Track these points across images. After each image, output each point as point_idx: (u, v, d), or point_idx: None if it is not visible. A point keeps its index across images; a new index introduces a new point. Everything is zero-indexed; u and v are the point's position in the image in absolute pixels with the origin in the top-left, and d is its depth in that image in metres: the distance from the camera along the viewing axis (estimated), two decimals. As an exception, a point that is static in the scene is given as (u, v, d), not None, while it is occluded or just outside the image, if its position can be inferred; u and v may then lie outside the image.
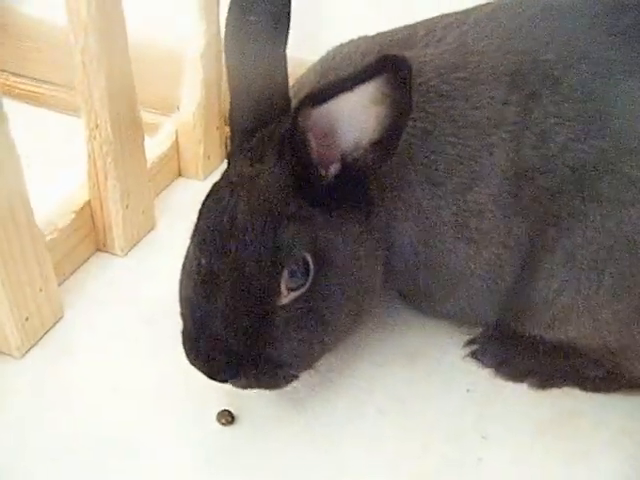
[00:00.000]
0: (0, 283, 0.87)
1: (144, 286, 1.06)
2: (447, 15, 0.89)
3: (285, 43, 0.82)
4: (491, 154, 0.79)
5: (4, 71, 1.47)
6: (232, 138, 0.83)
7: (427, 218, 0.82)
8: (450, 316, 0.95)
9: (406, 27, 0.89)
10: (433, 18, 0.89)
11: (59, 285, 1.01)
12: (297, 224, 0.73)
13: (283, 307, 0.74)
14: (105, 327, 1.00)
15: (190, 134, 1.20)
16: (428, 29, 0.86)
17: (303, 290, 0.74)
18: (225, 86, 1.02)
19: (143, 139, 1.06)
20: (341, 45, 0.92)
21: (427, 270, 0.85)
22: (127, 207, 1.06)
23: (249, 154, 0.78)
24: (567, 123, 0.77)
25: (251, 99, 0.80)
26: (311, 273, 0.74)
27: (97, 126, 0.97)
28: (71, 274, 1.06)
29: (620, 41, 0.78)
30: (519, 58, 0.80)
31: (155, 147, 1.20)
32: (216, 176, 1.19)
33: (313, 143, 0.71)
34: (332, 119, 0.70)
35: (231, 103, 0.83)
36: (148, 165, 1.15)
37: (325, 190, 0.75)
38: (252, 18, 0.81)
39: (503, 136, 0.79)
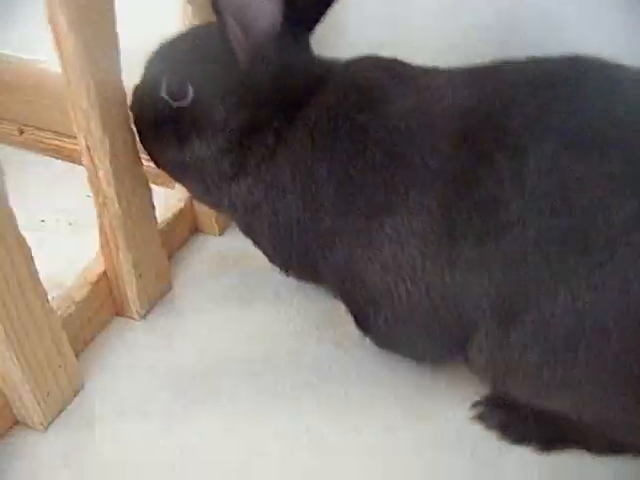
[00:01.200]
0: (19, 366, 0.90)
1: (160, 350, 1.10)
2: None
3: None
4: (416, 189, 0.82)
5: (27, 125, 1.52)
6: None
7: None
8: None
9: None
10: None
11: (79, 354, 1.06)
12: None
13: None
14: (123, 395, 1.04)
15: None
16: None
17: None
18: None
19: (153, 208, 1.09)
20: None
21: None
22: (140, 276, 1.09)
23: None
24: (525, 193, 0.76)
25: None
26: None
27: (105, 203, 1.00)
28: (90, 341, 1.10)
29: (587, 115, 0.77)
30: (481, 121, 0.80)
31: (170, 206, 1.23)
32: (232, 230, 1.24)
33: (229, 22, 0.83)
34: (245, 8, 0.82)
35: None
36: (163, 225, 1.19)
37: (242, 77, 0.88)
38: None
39: (437, 185, 0.81)
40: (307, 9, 0.90)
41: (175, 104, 0.92)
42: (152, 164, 1.01)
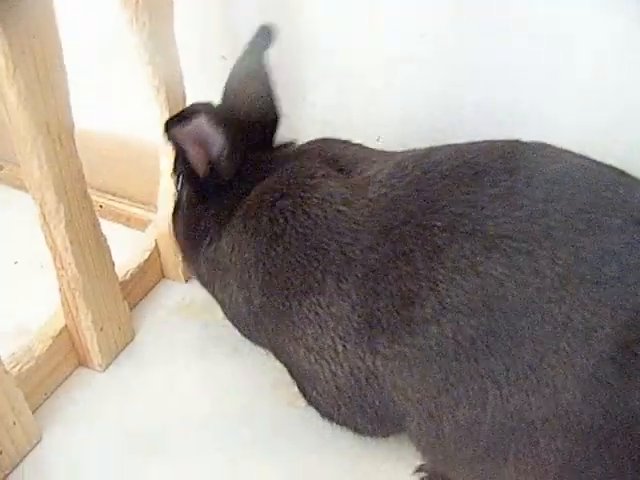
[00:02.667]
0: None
1: (120, 403, 1.12)
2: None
3: None
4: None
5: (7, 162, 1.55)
6: None
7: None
8: None
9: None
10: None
11: (38, 407, 1.09)
12: None
13: None
14: (80, 448, 1.07)
15: (168, 242, 1.25)
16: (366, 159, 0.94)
17: None
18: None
19: (112, 265, 1.11)
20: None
21: None
22: (101, 329, 1.12)
23: None
24: (441, 293, 0.76)
25: None
26: None
27: (62, 267, 1.03)
28: (52, 393, 1.13)
29: (515, 216, 0.77)
30: (404, 217, 0.81)
31: (136, 257, 1.25)
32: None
33: (187, 148, 0.93)
34: (193, 136, 0.92)
35: None
36: (127, 275, 1.22)
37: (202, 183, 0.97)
38: None
39: (355, 273, 0.83)
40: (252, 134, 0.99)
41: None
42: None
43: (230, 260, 0.94)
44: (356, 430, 0.97)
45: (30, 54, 0.86)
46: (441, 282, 0.77)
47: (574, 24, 0.97)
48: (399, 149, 0.97)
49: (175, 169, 1.04)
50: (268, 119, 1.03)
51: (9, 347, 1.07)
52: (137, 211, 1.43)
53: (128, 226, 1.43)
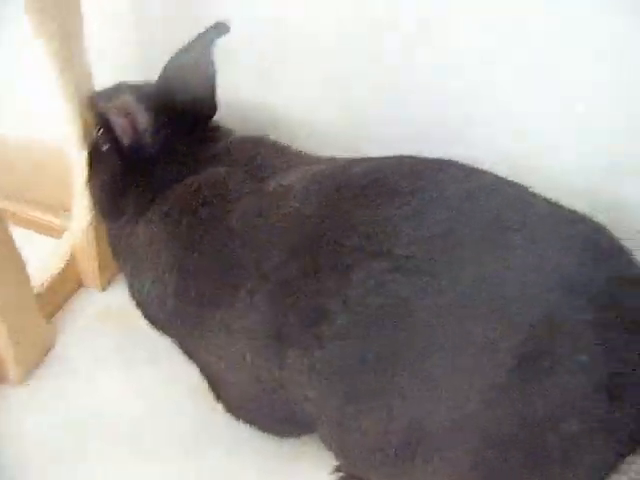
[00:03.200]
0: None
1: (38, 415, 1.12)
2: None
3: None
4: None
5: None
6: None
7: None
8: None
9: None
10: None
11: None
12: None
13: None
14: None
15: (84, 251, 1.24)
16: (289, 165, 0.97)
17: None
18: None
19: (27, 277, 1.11)
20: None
21: None
22: (18, 343, 1.11)
23: None
24: (350, 311, 0.80)
25: None
26: None
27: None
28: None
29: (420, 237, 0.80)
30: (315, 235, 0.85)
31: (51, 266, 1.25)
32: (117, 284, 1.26)
33: (114, 122, 0.98)
34: (120, 110, 0.98)
35: None
36: (44, 286, 1.21)
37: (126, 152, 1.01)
38: None
39: (267, 288, 0.86)
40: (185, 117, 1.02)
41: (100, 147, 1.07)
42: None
43: (145, 253, 0.97)
44: (264, 430, 1.02)
45: None
46: (350, 300, 0.80)
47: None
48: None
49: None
50: (203, 111, 1.06)
51: None
52: (49, 218, 1.41)
53: (42, 234, 1.41)
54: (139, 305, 1.06)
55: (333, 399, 0.84)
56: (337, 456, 0.93)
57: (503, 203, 0.84)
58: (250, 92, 1.22)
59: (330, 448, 0.92)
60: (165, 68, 1.02)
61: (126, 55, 1.26)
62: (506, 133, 1.06)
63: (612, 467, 0.78)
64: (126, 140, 1.00)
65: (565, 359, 0.76)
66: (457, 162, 0.89)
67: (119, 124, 0.98)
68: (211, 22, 1.01)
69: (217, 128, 1.08)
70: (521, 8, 0.97)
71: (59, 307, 1.27)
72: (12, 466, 1.06)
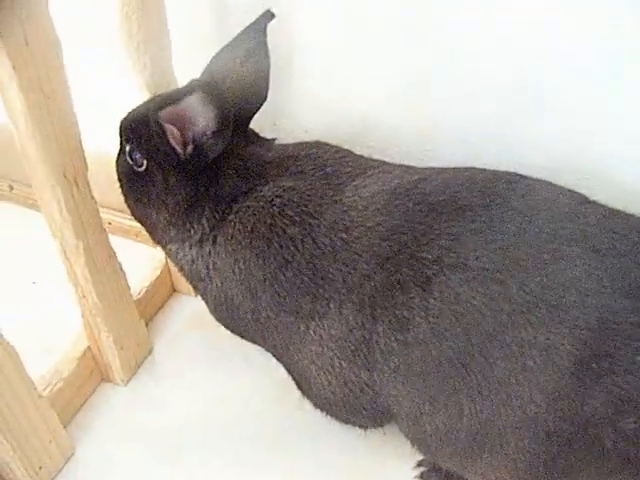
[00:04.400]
0: (12, 449, 1.03)
1: (143, 414, 1.22)
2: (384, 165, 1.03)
3: None
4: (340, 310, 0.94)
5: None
6: None
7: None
8: None
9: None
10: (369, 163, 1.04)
11: (69, 422, 1.19)
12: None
13: None
14: (110, 460, 1.17)
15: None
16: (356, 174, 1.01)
17: None
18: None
19: (128, 289, 1.21)
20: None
21: None
22: (122, 348, 1.21)
23: None
24: (430, 319, 0.87)
25: None
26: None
27: (84, 296, 1.12)
28: (80, 408, 1.23)
29: (491, 249, 0.87)
30: (398, 248, 0.90)
31: (147, 275, 1.34)
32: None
33: (169, 129, 0.96)
34: (180, 115, 0.94)
35: None
36: (141, 293, 1.31)
37: (183, 164, 0.99)
38: None
39: (354, 300, 0.92)
40: (239, 112, 1.02)
41: (136, 169, 1.03)
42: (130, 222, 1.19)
43: (232, 270, 1.00)
44: (349, 423, 1.09)
45: (46, 113, 0.94)
46: (431, 310, 0.87)
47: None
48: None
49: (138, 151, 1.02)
50: (256, 101, 1.07)
51: (36, 367, 1.12)
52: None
53: (138, 241, 1.51)
54: (223, 317, 1.10)
55: (413, 397, 0.91)
56: (413, 445, 1.00)
57: (563, 215, 0.89)
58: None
59: (407, 437, 1.00)
60: (218, 59, 1.04)
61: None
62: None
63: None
64: (181, 149, 0.97)
65: (622, 360, 0.81)
66: (523, 176, 0.96)
67: (174, 134, 0.96)
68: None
69: (251, 131, 1.09)
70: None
71: (155, 313, 1.36)
72: (119, 458, 1.16)
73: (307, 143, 1.09)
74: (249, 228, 0.99)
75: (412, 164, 1.05)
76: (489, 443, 0.88)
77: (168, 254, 1.09)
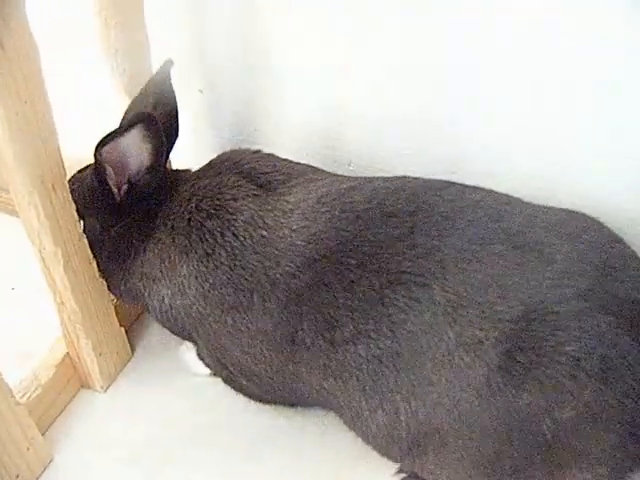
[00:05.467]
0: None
1: (122, 421, 1.22)
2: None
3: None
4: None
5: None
6: None
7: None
8: None
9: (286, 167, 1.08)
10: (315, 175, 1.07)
11: (47, 429, 1.18)
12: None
13: None
14: (88, 466, 1.16)
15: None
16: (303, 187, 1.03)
17: None
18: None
19: (108, 295, 1.19)
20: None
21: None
22: (101, 355, 1.20)
23: None
24: (356, 319, 0.92)
25: None
26: None
27: (62, 302, 1.11)
28: (59, 415, 1.22)
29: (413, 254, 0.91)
30: (324, 252, 0.94)
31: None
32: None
33: (108, 170, 1.01)
34: (120, 154, 1.00)
35: None
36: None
37: (118, 204, 1.05)
38: None
39: (279, 296, 0.96)
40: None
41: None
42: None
43: (161, 271, 1.06)
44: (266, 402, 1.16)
45: (23, 118, 0.93)
46: (355, 310, 0.91)
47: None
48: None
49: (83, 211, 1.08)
50: (171, 140, 1.13)
51: (14, 374, 1.12)
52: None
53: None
54: (163, 321, 1.13)
55: (350, 394, 0.95)
56: (367, 444, 1.03)
57: (487, 216, 0.93)
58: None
59: (358, 436, 1.03)
60: (130, 109, 1.10)
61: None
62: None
63: (630, 455, 0.85)
64: (117, 190, 1.04)
65: (550, 351, 0.83)
66: (454, 183, 1.00)
67: (113, 173, 1.02)
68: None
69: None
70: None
71: (135, 319, 1.36)
72: (99, 464, 1.15)
73: (227, 151, 1.14)
74: (170, 226, 1.05)
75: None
76: (431, 443, 0.91)
77: (121, 292, 1.15)
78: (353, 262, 0.92)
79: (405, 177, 1.02)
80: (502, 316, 0.85)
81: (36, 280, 1.12)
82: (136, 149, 0.99)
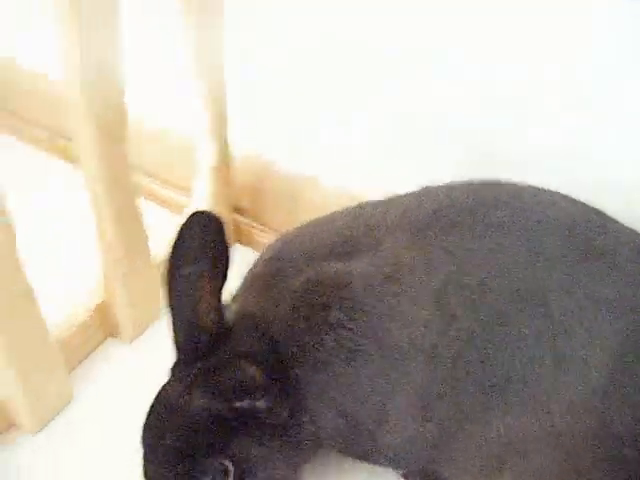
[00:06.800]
0: (18, 386, 1.08)
1: (145, 371, 1.25)
2: (392, 209, 0.99)
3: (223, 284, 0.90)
4: (408, 378, 0.90)
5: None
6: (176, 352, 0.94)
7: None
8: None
9: (348, 223, 0.99)
10: (378, 207, 1.01)
11: (71, 370, 1.24)
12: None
13: None
14: (108, 407, 1.20)
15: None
16: (369, 227, 0.96)
17: None
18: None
19: (149, 256, 1.25)
20: (283, 241, 1.02)
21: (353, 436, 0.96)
22: (134, 306, 1.25)
23: (183, 382, 0.91)
24: (479, 344, 0.87)
25: (189, 334, 0.91)
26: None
27: (108, 250, 1.16)
28: (85, 358, 1.27)
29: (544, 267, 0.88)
30: (445, 278, 0.89)
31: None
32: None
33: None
34: None
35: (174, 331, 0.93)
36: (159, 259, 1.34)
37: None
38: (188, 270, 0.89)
39: (420, 359, 0.89)
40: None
41: None
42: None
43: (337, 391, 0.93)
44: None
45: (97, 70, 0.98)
46: (479, 335, 0.87)
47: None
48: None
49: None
50: None
51: (52, 310, 1.15)
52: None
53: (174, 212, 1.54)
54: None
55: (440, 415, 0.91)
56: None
57: (588, 234, 0.91)
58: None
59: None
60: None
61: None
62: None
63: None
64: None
65: None
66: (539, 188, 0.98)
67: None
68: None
69: None
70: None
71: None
72: (120, 410, 1.19)
73: (270, 246, 1.05)
74: (320, 345, 0.91)
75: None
76: (512, 455, 0.88)
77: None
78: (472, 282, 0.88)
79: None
80: (607, 336, 0.84)
81: (89, 228, 1.16)
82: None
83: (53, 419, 1.19)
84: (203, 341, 0.90)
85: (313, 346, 0.91)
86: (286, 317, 0.93)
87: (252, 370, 0.83)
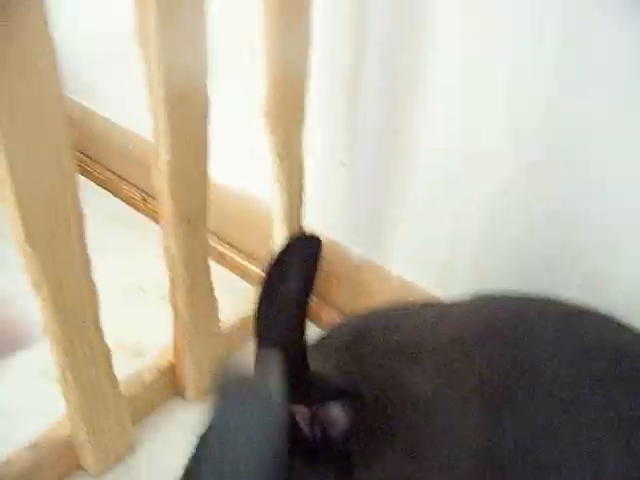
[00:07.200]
0: (88, 436, 1.19)
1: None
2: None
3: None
4: None
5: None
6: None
7: None
8: None
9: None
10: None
11: (135, 424, 1.33)
12: None
13: None
14: (170, 464, 1.28)
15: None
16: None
17: None
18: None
19: (218, 322, 1.34)
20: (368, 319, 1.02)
21: None
22: (199, 371, 1.35)
23: None
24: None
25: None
26: None
27: (177, 317, 1.26)
28: (149, 414, 1.37)
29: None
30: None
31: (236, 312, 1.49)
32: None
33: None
34: None
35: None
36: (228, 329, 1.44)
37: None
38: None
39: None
40: None
41: None
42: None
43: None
44: None
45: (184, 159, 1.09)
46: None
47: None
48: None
49: None
50: None
51: (122, 368, 1.24)
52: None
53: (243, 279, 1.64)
54: None
55: None
56: None
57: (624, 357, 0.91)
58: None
59: None
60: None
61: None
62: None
63: None
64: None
65: None
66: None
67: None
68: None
69: None
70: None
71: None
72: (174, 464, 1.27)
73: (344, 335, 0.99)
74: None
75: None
76: None
77: None
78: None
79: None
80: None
81: (163, 287, 1.26)
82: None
83: (115, 465, 1.28)
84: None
85: None
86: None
87: None
